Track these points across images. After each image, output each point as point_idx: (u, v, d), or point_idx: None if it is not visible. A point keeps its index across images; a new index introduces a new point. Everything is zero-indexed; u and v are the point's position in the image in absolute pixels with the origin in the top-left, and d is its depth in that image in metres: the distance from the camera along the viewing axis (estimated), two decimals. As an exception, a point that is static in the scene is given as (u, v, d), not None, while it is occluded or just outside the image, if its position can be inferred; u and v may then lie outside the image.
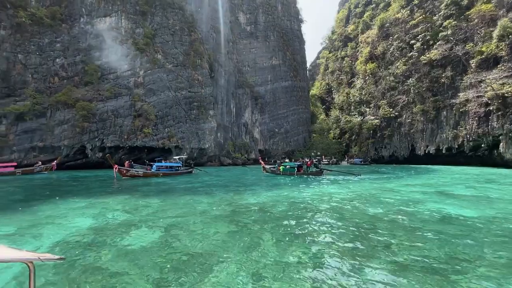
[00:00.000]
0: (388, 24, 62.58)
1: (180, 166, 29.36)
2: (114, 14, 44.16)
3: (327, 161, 58.61)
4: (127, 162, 25.80)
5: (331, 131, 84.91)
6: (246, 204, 10.79)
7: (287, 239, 6.17)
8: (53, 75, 38.22)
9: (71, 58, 39.99)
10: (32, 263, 1.10)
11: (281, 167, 27.42)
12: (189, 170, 30.33)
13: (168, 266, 4.74)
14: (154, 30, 47.15)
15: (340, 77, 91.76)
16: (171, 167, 28.12)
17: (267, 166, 30.50)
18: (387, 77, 59.04)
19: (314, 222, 7.80)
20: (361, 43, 74.93)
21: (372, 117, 61.25)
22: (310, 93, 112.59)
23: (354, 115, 70.74)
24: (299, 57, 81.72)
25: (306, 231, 6.88)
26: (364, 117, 65.58)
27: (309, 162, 26.21)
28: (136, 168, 25.75)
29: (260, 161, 35.02)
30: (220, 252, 5.42)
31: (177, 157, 32.92)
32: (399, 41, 57.36)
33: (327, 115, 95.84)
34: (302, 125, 79.72)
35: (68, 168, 36.98)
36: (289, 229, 7.04)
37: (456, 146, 42.02)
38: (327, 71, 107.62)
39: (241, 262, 4.90)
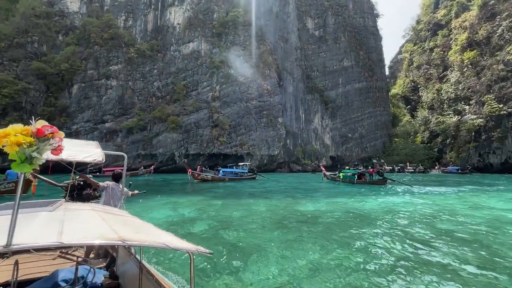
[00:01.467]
0: (493, 1, 50.93)
1: (244, 172, 31.30)
2: (196, 39, 51.11)
3: (413, 169, 50.85)
4: (199, 167, 29.83)
5: (418, 134, 73.84)
6: (299, 210, 10.91)
7: (327, 245, 6.13)
8: (151, 96, 46.94)
9: (164, 81, 48.26)
10: (192, 253, 1.36)
11: (341, 174, 26.78)
12: (253, 176, 31.87)
13: (219, 251, 5.54)
14: (227, 48, 52.13)
15: (429, 72, 79.37)
16: (236, 173, 30.37)
17: (328, 173, 30.47)
18: (494, 66, 47.70)
19: (362, 234, 7.36)
20: (455, 29, 63.20)
21: (474, 116, 50.26)
22: (391, 92, 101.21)
23: (448, 114, 59.63)
24: (374, 55, 75.05)
25: (350, 242, 6.62)
26: (462, 117, 54.52)
27: (372, 170, 24.46)
28: (206, 172, 29.08)
29: (321, 167, 35.50)
30: (263, 247, 5.90)
31: (241, 163, 34.85)
32: (510, 19, 45.79)
33: (412, 116, 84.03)
34: (380, 128, 72.26)
35: (161, 172, 44.20)
36: (332, 236, 6.91)
37: None
38: (412, 66, 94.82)
39: (279, 258, 5.27)
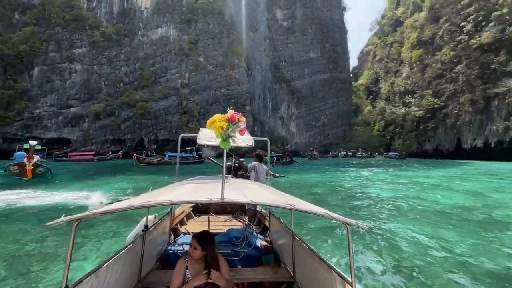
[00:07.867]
0: (438, 5, 56.99)
1: (191, 157, 33.52)
2: (164, 25, 51.31)
3: (360, 154, 57.69)
4: (144, 151, 32.34)
5: (375, 123, 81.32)
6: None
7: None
8: (119, 81, 47.12)
9: (132, 66, 48.44)
10: (349, 225, 1.34)
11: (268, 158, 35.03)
12: (200, 160, 33.65)
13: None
14: (197, 36, 53.07)
15: (388, 65, 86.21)
16: (182, 157, 32.48)
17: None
18: (434, 64, 54.42)
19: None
20: (407, 27, 69.48)
21: (416, 108, 57.42)
22: (357, 83, 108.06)
23: (398, 106, 66.77)
24: (339, 48, 79.86)
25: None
26: (408, 108, 61.72)
27: (286, 154, 33.10)
28: (152, 157, 31.41)
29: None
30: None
31: (189, 148, 35.59)
32: (449, 23, 52.05)
33: (373, 106, 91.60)
34: (341, 118, 78.47)
35: (130, 157, 45.59)
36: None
37: (508, 140, 37.63)
38: (375, 59, 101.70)
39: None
